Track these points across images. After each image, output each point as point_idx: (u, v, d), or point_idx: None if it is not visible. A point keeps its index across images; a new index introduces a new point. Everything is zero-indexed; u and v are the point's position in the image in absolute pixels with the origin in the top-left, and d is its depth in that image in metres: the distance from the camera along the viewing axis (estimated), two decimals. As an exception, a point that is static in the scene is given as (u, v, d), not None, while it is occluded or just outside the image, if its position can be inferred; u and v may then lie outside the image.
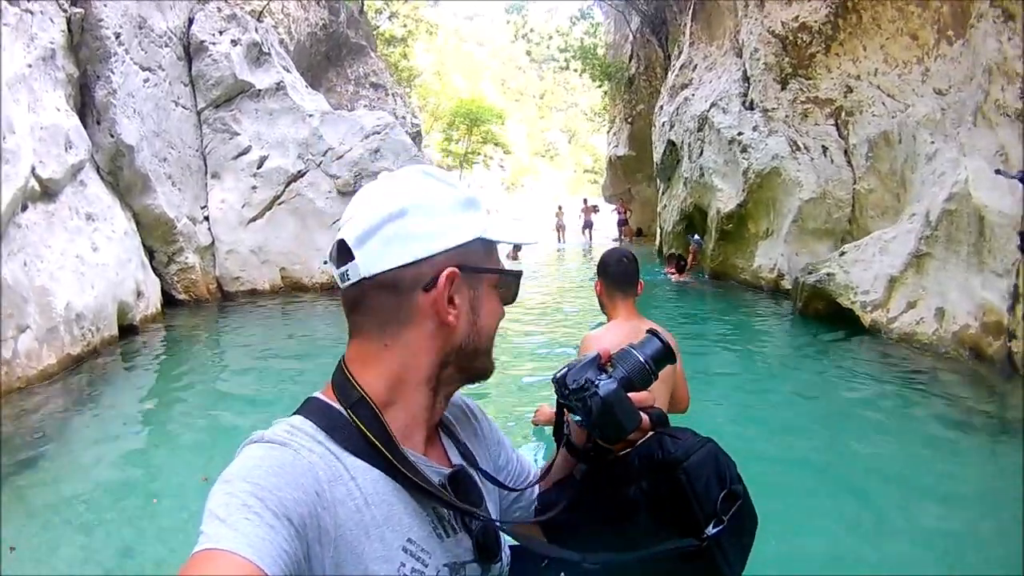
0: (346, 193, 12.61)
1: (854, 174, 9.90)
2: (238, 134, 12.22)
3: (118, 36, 9.57)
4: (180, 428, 5.76)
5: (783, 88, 10.78)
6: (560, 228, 32.12)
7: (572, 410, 1.13)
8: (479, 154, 37.78)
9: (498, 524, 1.10)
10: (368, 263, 1.00)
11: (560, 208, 33.02)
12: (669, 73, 17.33)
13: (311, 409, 1.01)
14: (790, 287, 10.16)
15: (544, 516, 1.17)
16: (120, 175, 9.72)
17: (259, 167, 12.40)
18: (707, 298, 12.11)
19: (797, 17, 10.36)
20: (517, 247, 18.39)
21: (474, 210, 1.07)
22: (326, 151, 12.79)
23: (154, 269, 10.65)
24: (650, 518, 1.12)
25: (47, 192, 7.49)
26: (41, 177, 7.26)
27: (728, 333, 8.89)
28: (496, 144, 37.75)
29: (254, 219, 12.36)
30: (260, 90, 12.47)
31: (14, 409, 5.84)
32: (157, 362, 8.05)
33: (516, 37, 30.94)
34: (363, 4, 23.90)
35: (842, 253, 8.73)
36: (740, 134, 11.48)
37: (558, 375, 1.15)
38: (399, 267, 1.00)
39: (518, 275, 1.13)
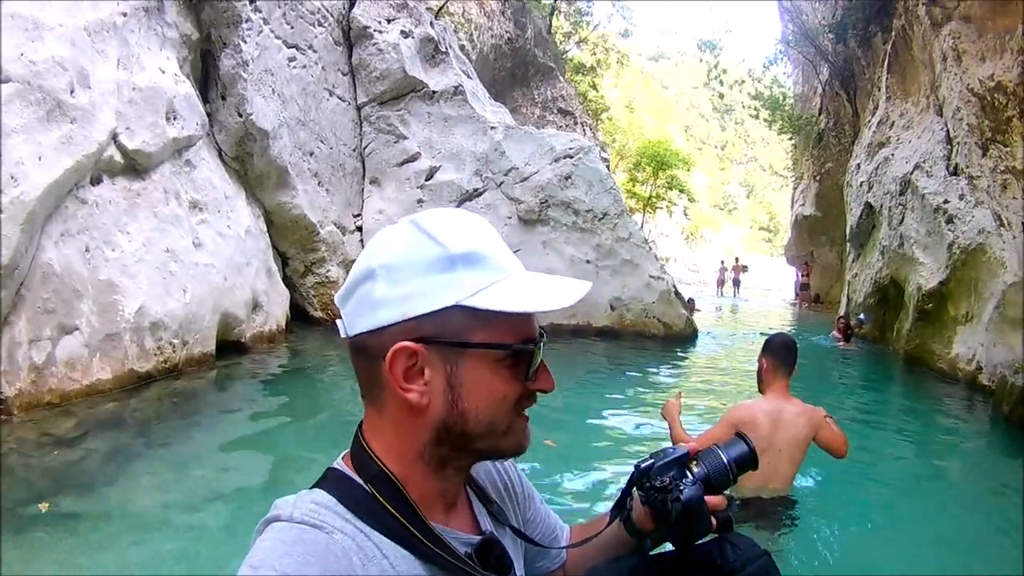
0: (528, 221, 11.25)
1: (1051, 259, 8.36)
2: (405, 137, 11.25)
3: (253, 0, 8.48)
4: (266, 492, 4.16)
5: (984, 154, 9.38)
6: (721, 283, 33.86)
7: (647, 502, 1.14)
8: (663, 199, 36.81)
9: None
10: (347, 323, 0.95)
11: (723, 262, 35.38)
12: (865, 129, 15.87)
13: (332, 483, 0.94)
14: (987, 383, 8.67)
15: None
16: (249, 163, 8.55)
17: (428, 178, 11.25)
18: (894, 382, 10.65)
19: (992, 75, 9.00)
20: (692, 300, 17.50)
21: (463, 269, 0.91)
22: (509, 170, 11.28)
23: (286, 279, 9.47)
24: None
25: (133, 167, 6.28)
26: (126, 146, 6.06)
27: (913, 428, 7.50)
28: (681, 191, 36.64)
29: (417, 237, 11.47)
30: (434, 92, 11.37)
31: (34, 431, 4.66)
32: (261, 392, 6.57)
33: (708, 78, 30.17)
34: (551, 23, 23.55)
35: (1053, 353, 7.29)
36: (946, 202, 10.02)
37: (643, 464, 1.16)
38: (366, 332, 0.92)
39: (526, 348, 0.94)
